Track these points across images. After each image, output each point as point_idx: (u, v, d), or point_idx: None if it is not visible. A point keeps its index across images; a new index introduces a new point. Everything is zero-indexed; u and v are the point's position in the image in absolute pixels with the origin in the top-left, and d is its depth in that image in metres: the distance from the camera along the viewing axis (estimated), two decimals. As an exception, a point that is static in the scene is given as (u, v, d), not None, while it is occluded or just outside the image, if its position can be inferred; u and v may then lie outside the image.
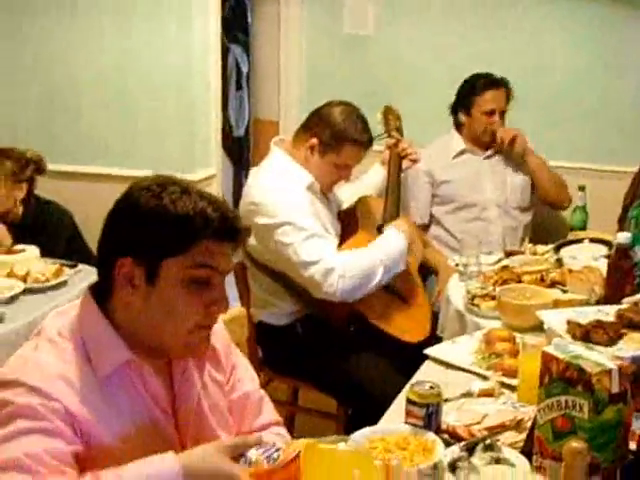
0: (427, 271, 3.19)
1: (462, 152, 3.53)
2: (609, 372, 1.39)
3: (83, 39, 3.83)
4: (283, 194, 2.53)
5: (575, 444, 1.36)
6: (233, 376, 1.57)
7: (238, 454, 1.21)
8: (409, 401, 1.68)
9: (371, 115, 2.80)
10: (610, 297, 2.22)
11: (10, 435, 1.20)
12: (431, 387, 1.67)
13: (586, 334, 1.84)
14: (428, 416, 1.65)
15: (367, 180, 3.08)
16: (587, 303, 2.23)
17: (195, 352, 1.43)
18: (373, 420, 1.72)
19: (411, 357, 2.44)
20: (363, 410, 2.43)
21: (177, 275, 1.32)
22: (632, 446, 1.48)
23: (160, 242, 1.31)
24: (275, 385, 2.86)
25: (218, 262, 1.35)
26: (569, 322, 1.91)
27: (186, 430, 1.42)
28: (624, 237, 2.25)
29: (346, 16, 4.08)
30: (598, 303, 2.23)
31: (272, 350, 2.79)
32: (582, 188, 3.14)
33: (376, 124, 2.91)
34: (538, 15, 3.78)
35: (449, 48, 3.93)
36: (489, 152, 3.53)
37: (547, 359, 1.47)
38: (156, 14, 3.72)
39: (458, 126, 3.54)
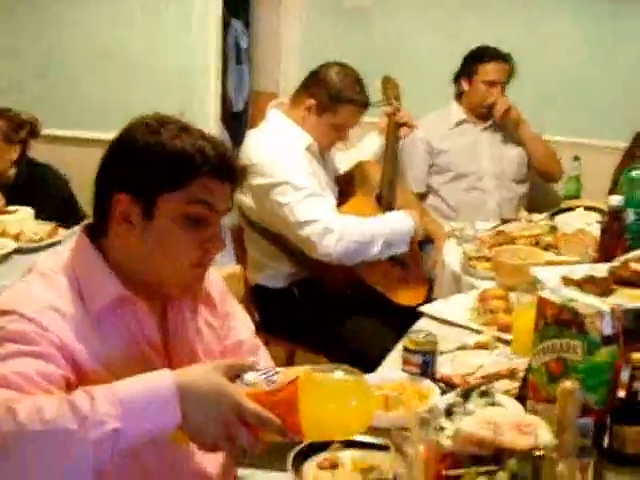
0: (424, 239, 3.21)
1: (461, 122, 3.56)
2: (602, 314, 1.41)
3: (84, 10, 3.85)
4: (280, 154, 2.55)
5: (569, 384, 1.39)
6: (227, 323, 1.57)
7: (234, 375, 1.22)
8: (405, 349, 1.71)
9: (370, 87, 2.80)
10: (602, 259, 2.24)
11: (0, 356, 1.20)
12: (427, 335, 1.70)
13: (578, 288, 1.86)
14: (424, 363, 1.68)
15: (363, 148, 3.10)
16: (580, 264, 2.26)
17: (190, 291, 1.44)
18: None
19: (408, 321, 2.47)
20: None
21: (174, 211, 1.33)
22: (621, 394, 1.50)
23: (157, 177, 1.32)
24: (271, 350, 2.86)
25: (215, 200, 1.35)
26: (562, 277, 1.94)
27: None
28: (616, 200, 2.28)
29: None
30: (591, 265, 2.26)
31: (268, 313, 2.80)
32: (577, 158, 3.17)
33: (375, 93, 2.92)
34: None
35: (450, 21, 3.94)
36: (488, 123, 3.55)
37: (542, 304, 1.49)
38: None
39: (459, 95, 3.58)
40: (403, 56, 3.99)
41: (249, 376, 1.21)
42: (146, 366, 1.36)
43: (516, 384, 1.65)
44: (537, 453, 1.33)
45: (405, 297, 2.72)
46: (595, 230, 2.46)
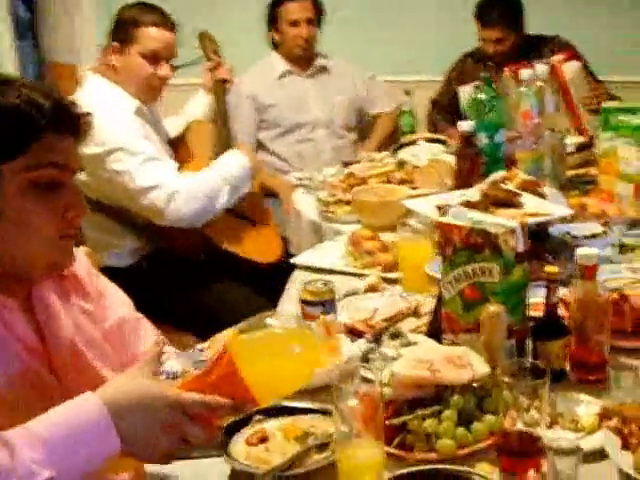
0: (267, 194, 3.09)
1: (285, 73, 3.44)
2: (513, 231, 1.36)
3: None
4: (110, 119, 2.29)
5: (493, 307, 1.33)
6: (102, 303, 1.40)
7: (157, 370, 1.06)
8: (303, 302, 1.58)
9: (185, 45, 2.61)
10: (460, 185, 2.21)
11: None
12: (324, 284, 1.59)
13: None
14: (325, 314, 1.56)
15: (192, 108, 2.90)
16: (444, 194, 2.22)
17: (58, 267, 1.23)
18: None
19: (268, 278, 2.35)
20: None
21: (20, 181, 1.12)
22: (535, 314, 1.46)
23: None
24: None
25: (64, 158, 1.15)
26: (439, 207, 1.88)
27: (64, 371, 1.23)
28: (467, 125, 2.25)
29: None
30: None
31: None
32: (408, 93, 3.15)
33: (193, 52, 2.76)
34: None
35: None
36: (311, 70, 3.46)
37: (446, 230, 1.42)
38: None
39: (275, 46, 3.46)
40: (216, 8, 3.84)
41: (170, 366, 1.06)
42: (26, 372, 1.16)
43: (422, 320, 1.58)
44: (476, 384, 1.26)
45: (260, 254, 2.60)
46: (446, 159, 2.45)
